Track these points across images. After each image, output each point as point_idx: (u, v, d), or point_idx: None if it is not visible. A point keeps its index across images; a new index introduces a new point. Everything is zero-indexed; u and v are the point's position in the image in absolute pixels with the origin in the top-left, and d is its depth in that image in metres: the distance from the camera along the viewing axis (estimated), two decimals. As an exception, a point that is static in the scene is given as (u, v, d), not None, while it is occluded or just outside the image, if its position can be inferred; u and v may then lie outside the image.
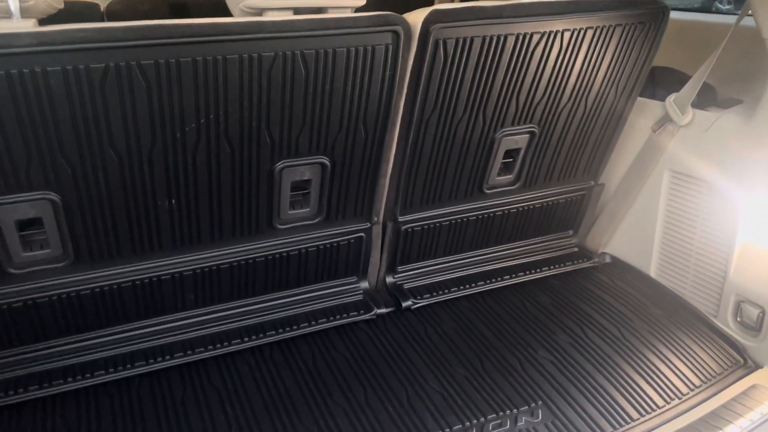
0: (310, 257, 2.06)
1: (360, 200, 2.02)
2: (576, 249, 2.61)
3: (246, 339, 1.99)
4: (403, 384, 1.87)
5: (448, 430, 1.72)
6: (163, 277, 1.87)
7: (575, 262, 2.52)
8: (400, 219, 2.15)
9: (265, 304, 2.10)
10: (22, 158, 1.49)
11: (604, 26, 1.97)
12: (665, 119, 2.26)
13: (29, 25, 1.35)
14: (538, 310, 2.24)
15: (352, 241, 2.10)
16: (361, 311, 2.15)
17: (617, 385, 1.91)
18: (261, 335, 2.01)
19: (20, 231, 1.63)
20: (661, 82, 2.47)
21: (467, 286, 2.33)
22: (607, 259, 2.57)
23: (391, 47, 1.70)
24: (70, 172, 1.56)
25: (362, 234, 2.10)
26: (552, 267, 2.48)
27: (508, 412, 1.79)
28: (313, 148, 1.80)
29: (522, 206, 2.37)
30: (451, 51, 1.79)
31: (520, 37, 1.86)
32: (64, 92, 1.43)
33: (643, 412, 1.82)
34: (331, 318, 2.10)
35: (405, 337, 2.07)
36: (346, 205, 2.00)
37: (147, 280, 1.86)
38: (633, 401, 1.85)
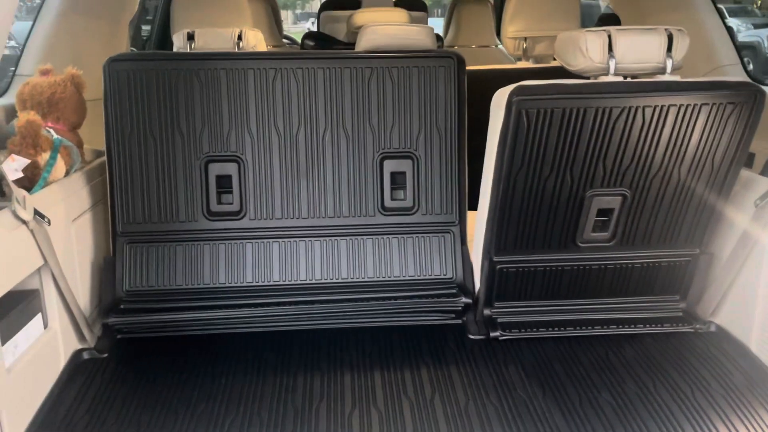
0: (408, 245, 2.62)
1: (445, 195, 2.62)
2: (681, 314, 2.67)
3: (354, 321, 2.52)
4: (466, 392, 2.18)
5: None
6: (299, 241, 2.58)
7: (675, 325, 2.60)
8: (495, 259, 2.49)
9: (371, 294, 2.58)
10: (227, 127, 2.53)
11: (688, 105, 2.15)
12: (766, 195, 2.31)
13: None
14: (618, 360, 2.38)
15: (443, 235, 2.63)
16: (449, 304, 2.56)
17: None
18: (367, 320, 2.53)
19: (217, 187, 2.56)
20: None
21: (558, 328, 2.55)
22: (713, 328, 2.59)
23: (449, 69, 2.62)
24: (250, 142, 2.54)
25: (450, 230, 2.63)
26: (648, 326, 2.58)
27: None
28: (402, 143, 2.62)
29: (620, 264, 2.55)
30: (533, 119, 2.14)
31: (600, 111, 2.14)
32: (257, 83, 2.54)
33: None
34: (423, 316, 2.57)
35: (484, 359, 2.37)
36: (433, 197, 2.62)
37: (287, 243, 2.60)
38: None
